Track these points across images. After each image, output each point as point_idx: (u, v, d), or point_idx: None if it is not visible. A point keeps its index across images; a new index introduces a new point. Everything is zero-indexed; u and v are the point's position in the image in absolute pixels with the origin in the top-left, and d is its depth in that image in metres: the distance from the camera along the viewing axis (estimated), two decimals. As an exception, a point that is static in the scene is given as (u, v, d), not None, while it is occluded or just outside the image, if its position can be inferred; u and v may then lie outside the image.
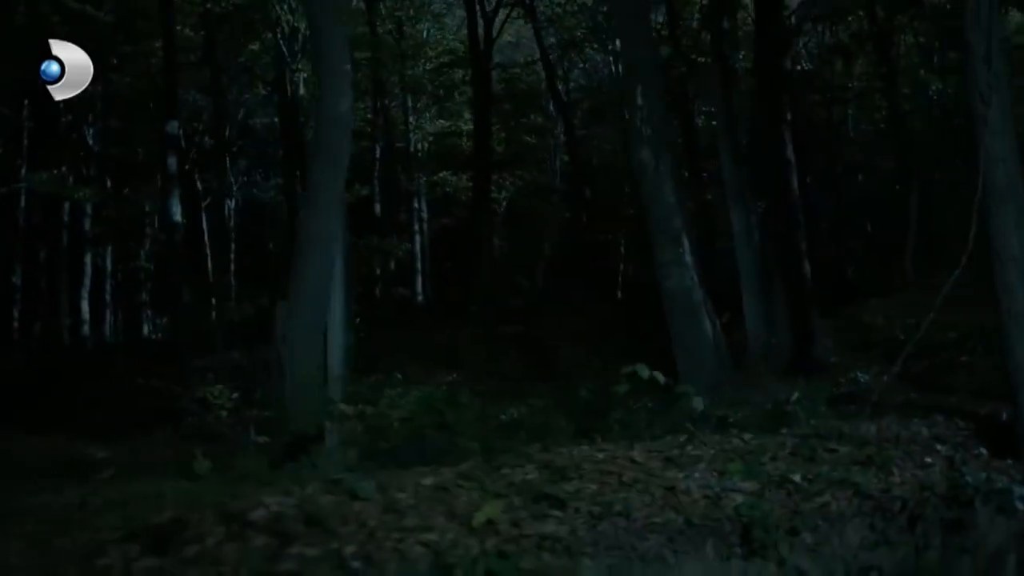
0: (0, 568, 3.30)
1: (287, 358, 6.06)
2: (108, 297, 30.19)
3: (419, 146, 26.93)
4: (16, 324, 26.55)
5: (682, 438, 5.47)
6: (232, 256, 29.82)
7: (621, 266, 25.43)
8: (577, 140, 24.71)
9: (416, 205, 27.03)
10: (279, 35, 23.66)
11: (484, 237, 20.78)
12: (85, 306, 29.42)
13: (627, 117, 9.60)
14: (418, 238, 26.61)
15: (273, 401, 6.27)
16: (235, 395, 6.78)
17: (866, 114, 22.54)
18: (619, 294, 24.33)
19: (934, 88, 18.58)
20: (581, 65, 28.31)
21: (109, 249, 29.95)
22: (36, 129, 24.84)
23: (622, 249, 26.10)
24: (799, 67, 19.99)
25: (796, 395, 6.72)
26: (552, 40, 24.39)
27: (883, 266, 17.95)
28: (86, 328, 29.23)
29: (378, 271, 29.99)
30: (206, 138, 27.17)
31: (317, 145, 6.46)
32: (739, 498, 4.60)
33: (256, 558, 3.54)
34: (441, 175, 26.25)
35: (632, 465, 4.84)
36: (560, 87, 24.78)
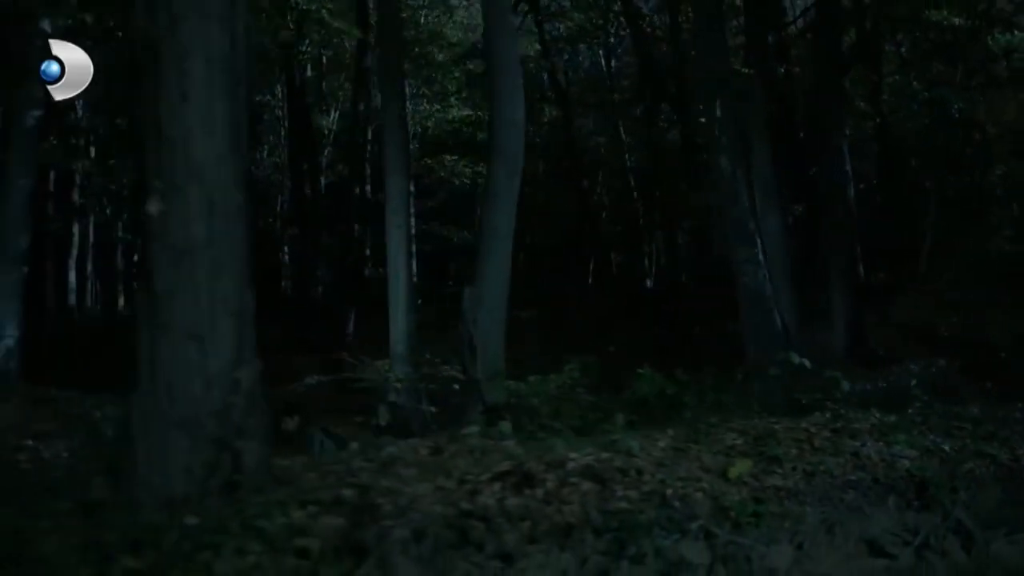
0: (415, 497, 4.14)
1: (477, 338, 6.88)
2: (90, 267, 30.27)
3: (416, 130, 27.60)
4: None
5: (827, 414, 6.49)
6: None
7: (610, 256, 26.45)
8: (575, 131, 25.62)
9: (412, 188, 27.67)
10: (288, 18, 23.98)
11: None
12: (72, 276, 29.49)
13: (706, 126, 10.55)
14: (412, 220, 27.25)
15: (466, 375, 7.09)
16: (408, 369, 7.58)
17: (852, 120, 23.83)
18: (604, 284, 25.37)
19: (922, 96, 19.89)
20: (567, 56, 29.21)
21: (91, 220, 30.03)
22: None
23: (597, 239, 27.07)
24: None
25: (914, 381, 7.79)
26: (552, 33, 25.27)
27: (873, 268, 19.20)
28: (72, 298, 29.35)
29: (368, 251, 30.60)
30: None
31: (494, 147, 7.27)
32: (907, 462, 5.63)
33: (594, 497, 4.44)
34: (448, 159, 26.98)
35: (813, 434, 5.83)
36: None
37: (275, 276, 28.16)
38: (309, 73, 26.45)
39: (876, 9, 18.61)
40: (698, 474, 4.96)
